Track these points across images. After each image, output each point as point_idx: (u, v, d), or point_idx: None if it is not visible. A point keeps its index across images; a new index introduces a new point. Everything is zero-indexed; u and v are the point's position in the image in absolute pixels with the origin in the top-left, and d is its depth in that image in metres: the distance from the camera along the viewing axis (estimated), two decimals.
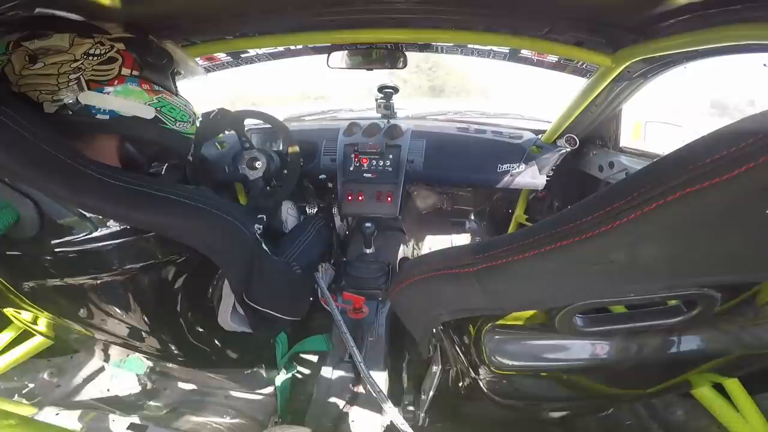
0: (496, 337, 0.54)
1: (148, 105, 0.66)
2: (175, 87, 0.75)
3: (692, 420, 0.83)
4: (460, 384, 0.73)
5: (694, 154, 0.29)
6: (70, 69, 0.59)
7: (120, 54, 0.63)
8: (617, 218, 0.32)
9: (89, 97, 0.60)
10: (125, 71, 0.63)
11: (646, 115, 1.42)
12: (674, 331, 0.51)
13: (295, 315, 0.93)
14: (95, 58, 0.61)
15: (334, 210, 1.78)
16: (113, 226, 0.59)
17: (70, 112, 0.60)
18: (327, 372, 1.00)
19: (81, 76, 0.60)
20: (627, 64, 1.01)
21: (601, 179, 1.44)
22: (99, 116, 0.61)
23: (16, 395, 1.08)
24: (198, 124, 0.79)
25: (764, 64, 0.72)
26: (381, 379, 0.97)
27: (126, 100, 0.63)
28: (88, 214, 0.58)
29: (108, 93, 0.61)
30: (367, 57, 1.30)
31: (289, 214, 1.59)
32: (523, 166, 1.58)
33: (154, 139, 0.69)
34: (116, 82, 0.62)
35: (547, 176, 1.56)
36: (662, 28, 0.83)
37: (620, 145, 1.40)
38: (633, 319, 0.48)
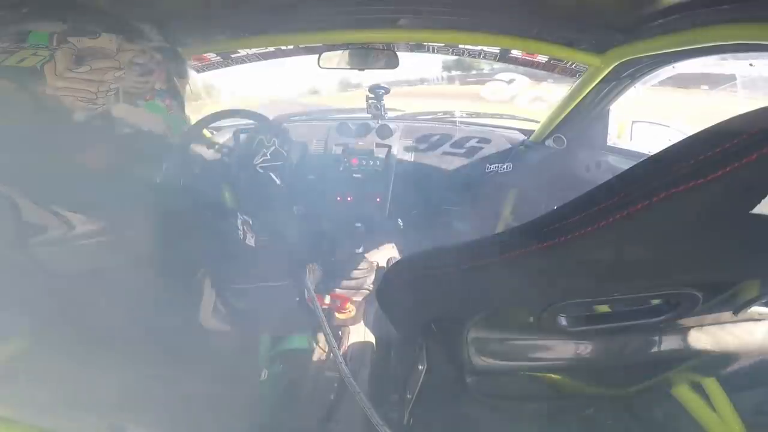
0: (480, 336, 0.54)
1: (165, 121, 0.62)
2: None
3: (671, 419, 0.84)
4: (446, 383, 0.73)
5: (678, 154, 0.30)
6: (112, 78, 0.54)
7: (157, 65, 0.59)
8: (602, 218, 0.32)
9: (121, 110, 0.56)
10: (158, 85, 0.59)
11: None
12: (656, 331, 0.51)
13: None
14: (137, 68, 0.56)
15: (323, 210, 1.77)
16: (89, 224, 0.57)
17: (98, 123, 0.55)
18: (312, 371, 0.99)
19: (120, 87, 0.55)
20: (615, 64, 1.03)
21: (588, 179, 1.45)
22: (126, 130, 0.57)
23: None
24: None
25: (750, 64, 0.73)
26: (366, 378, 0.96)
27: (149, 115, 0.59)
28: (62, 212, 0.56)
29: (139, 107, 0.58)
30: (358, 57, 1.30)
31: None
32: (510, 165, 1.59)
33: (147, 149, 0.65)
34: (148, 96, 0.58)
35: (535, 176, 1.57)
36: (650, 28, 0.84)
37: (607, 145, 1.42)
38: (615, 318, 0.49)
